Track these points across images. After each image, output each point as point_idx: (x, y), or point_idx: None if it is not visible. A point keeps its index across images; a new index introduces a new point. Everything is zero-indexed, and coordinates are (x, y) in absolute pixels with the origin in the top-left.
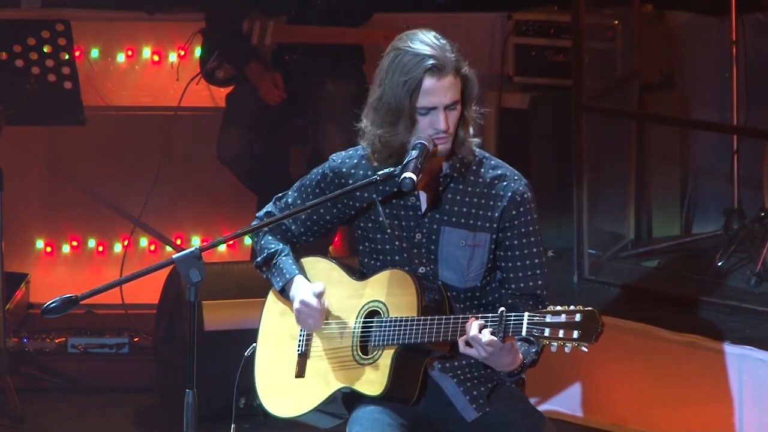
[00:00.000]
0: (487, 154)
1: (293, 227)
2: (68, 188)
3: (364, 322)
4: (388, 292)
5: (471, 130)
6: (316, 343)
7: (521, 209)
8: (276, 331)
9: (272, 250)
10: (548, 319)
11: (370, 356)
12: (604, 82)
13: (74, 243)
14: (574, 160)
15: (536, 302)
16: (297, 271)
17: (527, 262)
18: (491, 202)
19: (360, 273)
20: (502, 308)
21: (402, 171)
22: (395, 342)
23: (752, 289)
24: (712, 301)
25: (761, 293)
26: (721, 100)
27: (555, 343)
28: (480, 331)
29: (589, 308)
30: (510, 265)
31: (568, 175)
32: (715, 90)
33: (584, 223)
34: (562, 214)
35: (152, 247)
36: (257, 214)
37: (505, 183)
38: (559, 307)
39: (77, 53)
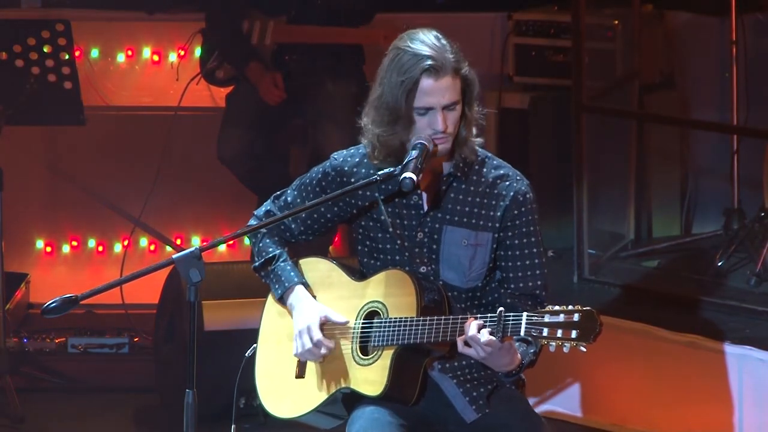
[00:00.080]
0: (490, 154)
1: (293, 226)
2: (68, 188)
3: (363, 323)
4: (387, 292)
5: (474, 131)
6: None
7: (523, 209)
8: (276, 331)
9: (270, 254)
10: (547, 318)
11: (370, 357)
12: (604, 82)
13: (74, 243)
14: (574, 160)
15: (535, 303)
16: (295, 279)
17: (527, 263)
18: (493, 202)
19: (360, 273)
20: (501, 308)
21: (402, 171)
22: (395, 342)
23: (752, 289)
24: (712, 301)
25: (761, 293)
26: (721, 100)
27: (553, 343)
28: (479, 331)
29: (588, 308)
30: (510, 264)
31: (568, 175)
32: (715, 90)
33: (584, 223)
34: (562, 214)
35: (152, 247)
36: (255, 212)
37: (507, 183)
38: (557, 307)
39: (77, 53)
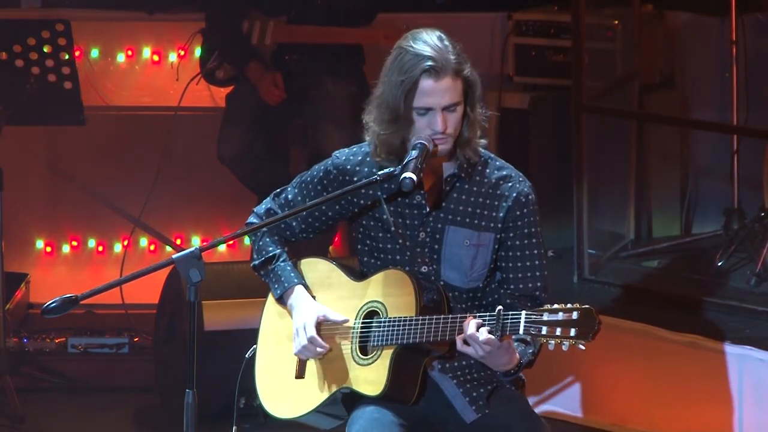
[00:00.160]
0: (492, 155)
1: (293, 224)
2: (68, 188)
3: (363, 323)
4: (386, 292)
5: (477, 132)
6: None
7: (525, 210)
8: (276, 332)
9: (270, 254)
10: (545, 317)
11: (370, 356)
12: (604, 82)
13: (74, 243)
14: (574, 160)
15: (534, 304)
16: (295, 280)
17: (527, 264)
18: (496, 203)
19: (359, 273)
20: (500, 307)
21: (402, 171)
22: (394, 342)
23: (752, 289)
24: (712, 301)
25: (761, 293)
26: (721, 100)
27: (552, 342)
28: (477, 330)
29: (586, 306)
30: (510, 265)
31: (568, 175)
32: (715, 90)
33: (584, 223)
34: (562, 214)
35: (152, 247)
36: (255, 210)
37: (510, 184)
38: (556, 306)
39: (77, 53)
